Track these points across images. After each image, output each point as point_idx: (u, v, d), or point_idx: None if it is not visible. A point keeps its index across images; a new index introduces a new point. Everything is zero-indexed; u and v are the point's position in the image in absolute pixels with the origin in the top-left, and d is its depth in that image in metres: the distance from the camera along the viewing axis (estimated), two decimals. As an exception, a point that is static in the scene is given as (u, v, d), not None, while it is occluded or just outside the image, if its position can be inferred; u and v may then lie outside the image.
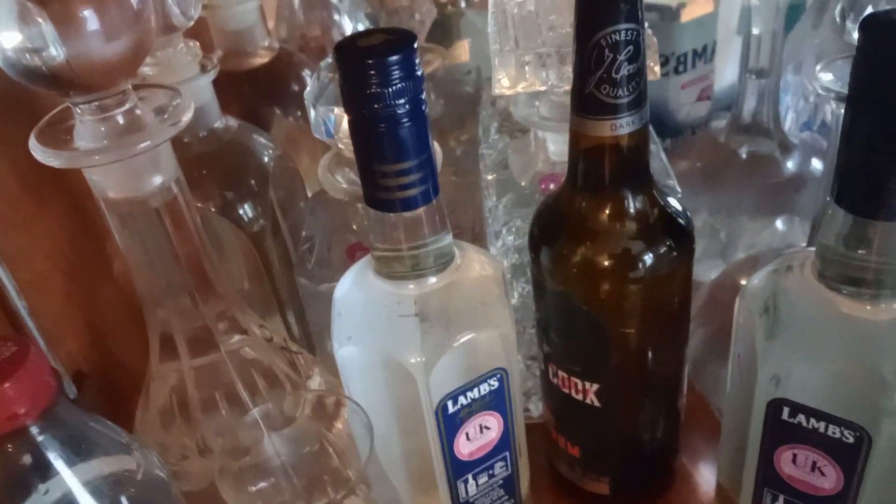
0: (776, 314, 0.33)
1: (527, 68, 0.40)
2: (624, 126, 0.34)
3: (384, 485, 0.35)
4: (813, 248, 0.33)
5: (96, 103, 0.29)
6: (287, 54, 0.56)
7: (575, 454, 0.45)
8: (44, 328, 0.39)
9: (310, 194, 0.52)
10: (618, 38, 0.32)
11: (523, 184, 0.46)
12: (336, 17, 0.66)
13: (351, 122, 0.31)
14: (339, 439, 0.40)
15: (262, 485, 0.37)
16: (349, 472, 0.40)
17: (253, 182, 0.46)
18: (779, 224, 0.58)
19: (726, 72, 0.73)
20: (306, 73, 0.57)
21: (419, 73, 0.30)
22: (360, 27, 0.56)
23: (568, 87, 0.41)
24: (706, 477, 0.49)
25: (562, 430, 0.45)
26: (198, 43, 0.43)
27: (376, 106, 0.30)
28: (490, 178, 0.48)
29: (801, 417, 0.32)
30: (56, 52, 0.25)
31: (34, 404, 0.26)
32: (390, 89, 0.30)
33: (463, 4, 0.65)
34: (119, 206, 0.32)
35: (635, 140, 0.35)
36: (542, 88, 0.41)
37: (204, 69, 0.43)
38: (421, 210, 0.33)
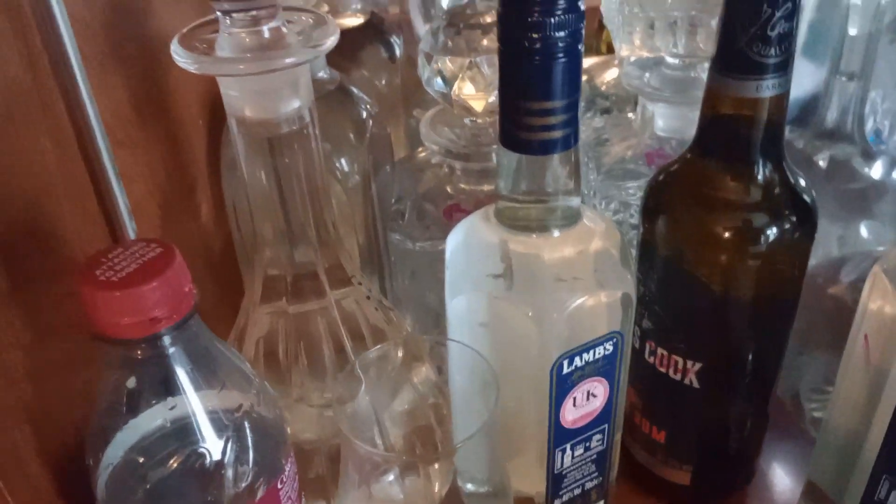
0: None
1: (656, 34, 0.39)
2: (769, 88, 0.33)
3: (494, 448, 0.34)
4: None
5: (252, 13, 0.28)
6: (378, 19, 0.55)
7: (660, 439, 0.43)
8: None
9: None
10: (778, -8, 0.31)
11: (628, 156, 0.45)
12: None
13: (502, 53, 0.30)
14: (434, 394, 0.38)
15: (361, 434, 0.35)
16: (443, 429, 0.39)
17: (352, 136, 0.44)
18: (863, 229, 0.57)
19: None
20: (395, 39, 0.56)
21: (582, 7, 0.29)
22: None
23: (693, 58, 0.40)
24: (781, 476, 0.48)
25: (649, 413, 0.43)
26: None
27: (535, 35, 0.29)
28: (588, 153, 0.47)
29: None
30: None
31: (173, 311, 0.25)
32: (553, 19, 0.28)
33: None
34: (253, 128, 0.31)
35: (777, 105, 0.34)
36: (668, 57, 0.40)
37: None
38: (560, 155, 0.32)
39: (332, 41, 0.30)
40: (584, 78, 0.54)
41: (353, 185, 0.45)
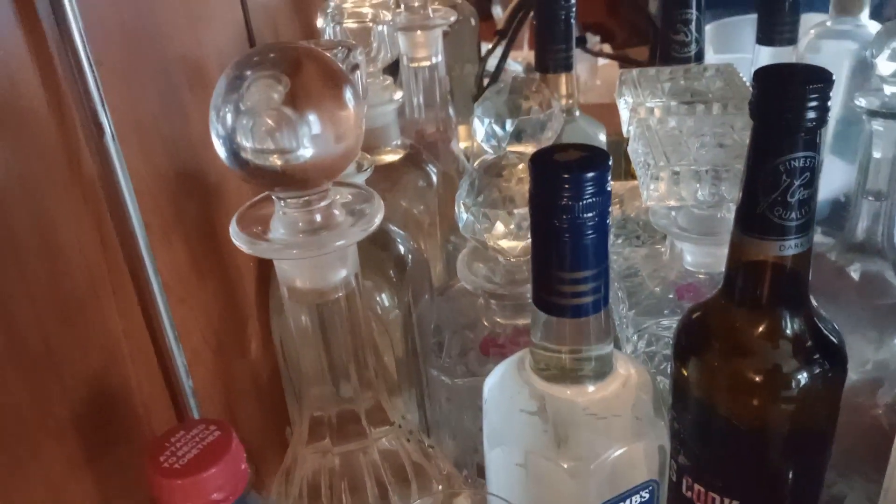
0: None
1: (681, 183, 0.41)
2: (791, 247, 0.35)
3: None
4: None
5: (305, 198, 0.31)
6: (416, 151, 0.58)
7: (701, 574, 0.43)
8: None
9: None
10: (796, 164, 0.33)
11: (657, 291, 0.46)
12: (453, 115, 0.68)
13: (534, 229, 0.32)
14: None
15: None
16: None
17: (392, 273, 0.47)
18: (900, 343, 0.57)
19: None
20: (431, 167, 0.59)
21: (609, 189, 0.31)
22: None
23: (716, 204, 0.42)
24: None
25: (689, 547, 0.44)
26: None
27: (565, 217, 0.31)
28: (620, 285, 0.49)
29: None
30: (305, 154, 0.27)
31: (232, 491, 0.27)
32: (581, 203, 0.31)
33: (577, 113, 0.67)
34: (304, 296, 0.33)
35: (800, 261, 0.36)
36: (693, 204, 0.42)
37: (360, 168, 0.45)
38: (590, 318, 0.34)
39: (378, 219, 0.32)
40: (615, 205, 0.56)
41: (394, 318, 0.47)
